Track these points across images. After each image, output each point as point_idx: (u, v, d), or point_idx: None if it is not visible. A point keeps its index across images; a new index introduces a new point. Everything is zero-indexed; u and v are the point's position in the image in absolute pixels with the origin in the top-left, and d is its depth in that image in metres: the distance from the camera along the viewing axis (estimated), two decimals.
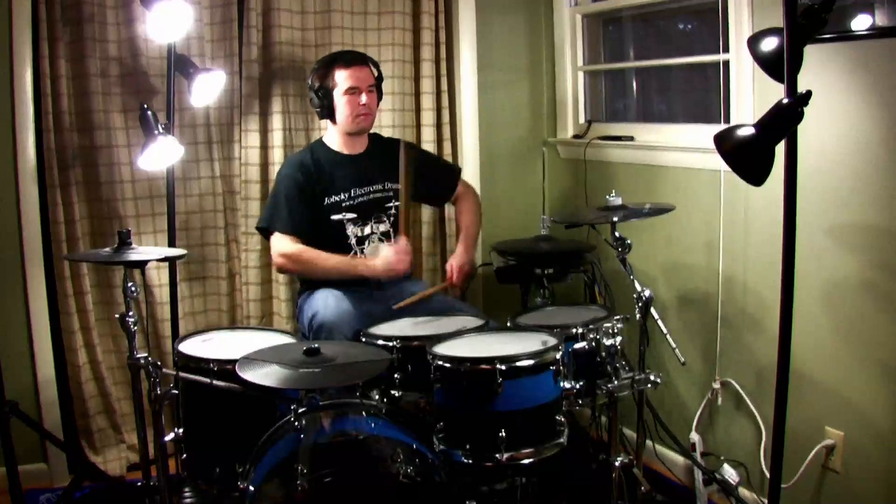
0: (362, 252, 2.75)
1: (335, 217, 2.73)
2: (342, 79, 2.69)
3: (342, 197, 2.74)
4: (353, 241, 2.75)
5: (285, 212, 2.68)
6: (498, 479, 2.31)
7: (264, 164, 3.09)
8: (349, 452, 1.93)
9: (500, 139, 3.44)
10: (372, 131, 2.90)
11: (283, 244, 2.67)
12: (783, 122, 1.62)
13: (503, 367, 1.98)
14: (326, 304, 2.53)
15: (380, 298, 2.71)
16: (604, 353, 2.11)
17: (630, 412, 2.43)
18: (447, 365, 2.06)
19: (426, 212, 3.30)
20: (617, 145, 3.09)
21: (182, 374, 2.13)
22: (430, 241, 3.33)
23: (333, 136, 2.82)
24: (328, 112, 2.74)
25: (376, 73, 2.81)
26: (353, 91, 2.69)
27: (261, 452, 1.96)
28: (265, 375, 1.86)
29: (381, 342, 2.26)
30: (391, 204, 2.81)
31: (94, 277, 2.93)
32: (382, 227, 2.79)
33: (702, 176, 2.67)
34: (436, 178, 2.96)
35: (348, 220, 2.74)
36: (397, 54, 3.22)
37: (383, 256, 2.63)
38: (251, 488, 1.86)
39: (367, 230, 2.77)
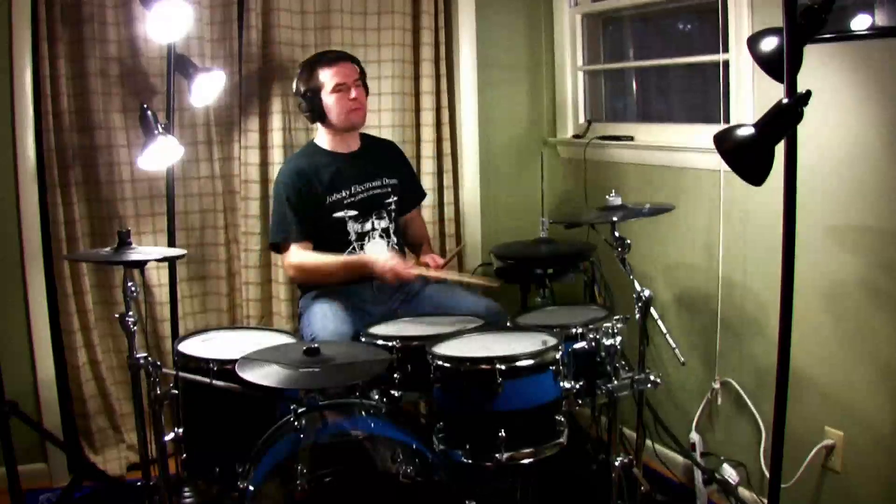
0: (361, 248, 2.75)
1: (337, 215, 2.72)
2: (328, 77, 2.67)
3: (344, 194, 2.73)
4: (354, 237, 2.74)
5: (294, 221, 2.66)
6: (498, 479, 2.31)
7: (264, 164, 3.09)
8: (349, 452, 1.92)
9: (499, 139, 3.44)
10: (363, 131, 2.90)
11: (293, 254, 2.66)
12: (783, 122, 1.62)
13: (503, 367, 1.98)
14: (325, 328, 2.48)
15: (380, 299, 2.71)
16: (604, 353, 2.11)
17: (630, 412, 2.43)
18: (447, 365, 2.06)
19: (426, 212, 3.28)
20: (617, 145, 3.09)
21: (182, 374, 2.13)
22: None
23: (324, 138, 2.80)
24: (319, 114, 2.72)
25: (360, 69, 2.80)
26: (341, 87, 2.67)
27: (261, 452, 1.96)
28: (265, 375, 1.86)
29: (380, 342, 2.26)
30: (390, 199, 2.81)
31: (94, 277, 2.93)
32: (383, 224, 2.78)
33: (702, 176, 2.67)
34: (408, 190, 2.94)
35: (350, 217, 2.73)
36: (397, 54, 3.22)
37: (389, 259, 2.56)
38: (251, 488, 1.86)
39: (368, 226, 2.76)
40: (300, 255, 2.65)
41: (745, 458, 2.58)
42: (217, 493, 2.36)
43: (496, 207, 3.44)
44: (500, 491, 2.28)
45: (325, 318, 2.52)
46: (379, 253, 2.67)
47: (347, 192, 2.74)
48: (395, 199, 2.82)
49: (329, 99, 2.69)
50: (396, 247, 2.81)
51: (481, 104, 3.38)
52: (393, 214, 2.81)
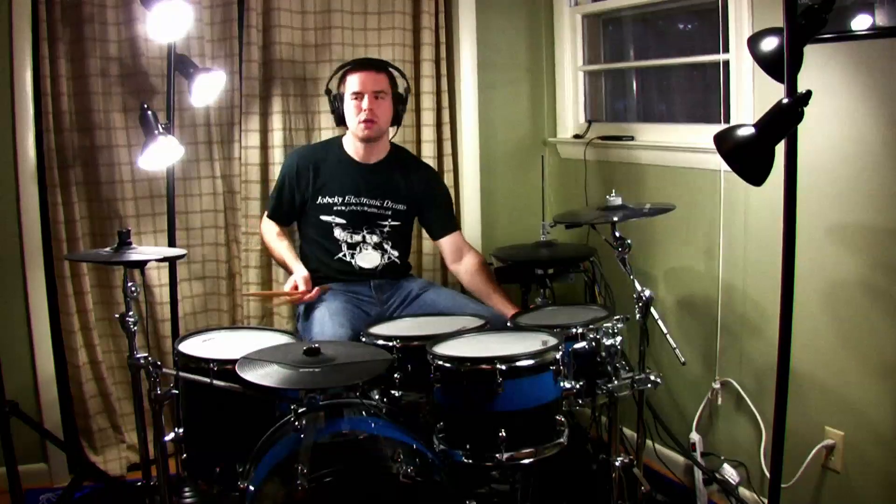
0: (353, 257, 2.75)
1: (324, 218, 2.74)
2: (350, 82, 2.70)
3: (334, 200, 2.74)
4: (344, 244, 2.75)
5: (275, 200, 2.86)
6: (498, 479, 2.31)
7: (264, 164, 3.09)
8: (349, 452, 1.92)
9: (500, 139, 3.44)
10: (407, 148, 2.94)
11: (265, 223, 2.92)
12: (783, 122, 1.62)
13: (503, 367, 1.97)
14: (322, 333, 2.49)
15: (377, 302, 2.72)
16: (604, 353, 2.11)
17: (630, 412, 2.43)
18: (447, 365, 2.05)
19: None
20: (617, 145, 3.09)
21: (182, 374, 2.13)
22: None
23: (349, 139, 2.82)
24: (339, 118, 2.75)
25: (403, 81, 2.81)
26: (357, 96, 2.68)
27: (261, 452, 1.96)
28: (265, 375, 1.86)
29: (381, 342, 2.26)
30: (386, 222, 2.78)
31: (94, 277, 2.93)
32: (375, 239, 2.78)
33: (702, 176, 2.67)
34: (438, 214, 2.91)
35: (336, 224, 2.74)
36: (397, 54, 3.21)
37: (299, 282, 2.64)
38: (251, 488, 1.86)
39: (358, 237, 2.76)
40: (268, 227, 2.90)
41: (745, 458, 2.58)
42: (217, 493, 2.35)
43: (496, 207, 3.44)
44: (500, 491, 2.29)
45: (323, 324, 2.52)
46: (300, 272, 2.67)
47: (340, 200, 2.74)
48: (397, 223, 2.80)
49: (347, 105, 2.71)
50: (397, 260, 2.82)
51: (481, 104, 3.38)
52: (388, 234, 2.79)
